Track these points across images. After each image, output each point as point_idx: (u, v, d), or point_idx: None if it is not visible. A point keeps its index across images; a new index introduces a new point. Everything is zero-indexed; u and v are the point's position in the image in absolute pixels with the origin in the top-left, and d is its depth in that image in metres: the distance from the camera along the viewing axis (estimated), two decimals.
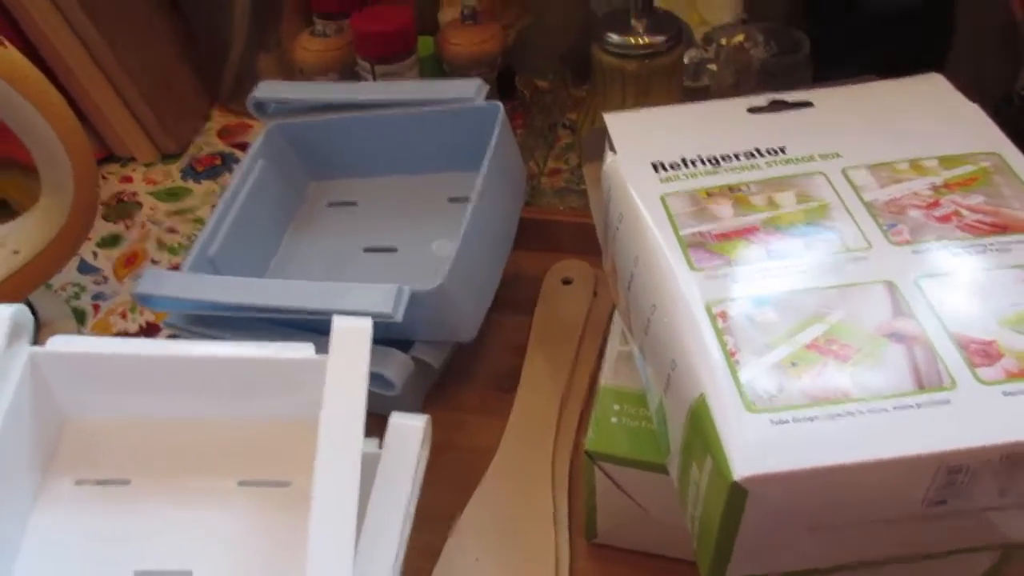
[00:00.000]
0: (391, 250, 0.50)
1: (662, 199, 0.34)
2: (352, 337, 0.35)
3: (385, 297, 0.38)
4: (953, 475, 0.26)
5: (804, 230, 0.32)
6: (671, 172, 0.35)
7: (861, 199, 0.33)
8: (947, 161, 0.34)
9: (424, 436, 0.37)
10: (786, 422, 0.26)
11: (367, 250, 0.51)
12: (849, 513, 0.27)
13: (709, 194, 0.34)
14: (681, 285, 0.31)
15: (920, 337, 0.28)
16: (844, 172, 0.34)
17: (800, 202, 0.33)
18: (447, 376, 0.49)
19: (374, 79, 0.58)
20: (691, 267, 0.31)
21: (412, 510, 0.35)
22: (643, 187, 0.35)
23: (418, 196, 0.52)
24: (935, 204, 0.33)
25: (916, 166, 0.34)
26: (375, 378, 0.41)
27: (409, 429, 0.37)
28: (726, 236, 0.32)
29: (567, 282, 0.52)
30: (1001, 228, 0.31)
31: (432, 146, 0.51)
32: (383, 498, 0.35)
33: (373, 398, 0.42)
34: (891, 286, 0.30)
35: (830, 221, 0.32)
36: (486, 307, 0.44)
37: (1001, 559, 0.34)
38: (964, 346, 0.28)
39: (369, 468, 0.35)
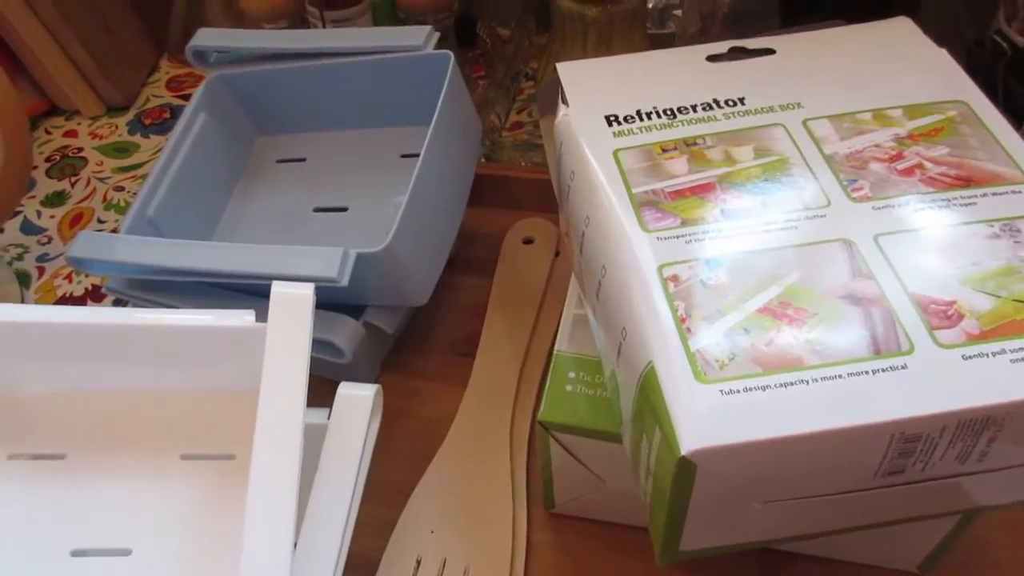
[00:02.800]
0: (342, 209, 0.48)
1: (615, 154, 0.32)
2: (292, 304, 0.33)
3: (329, 261, 0.36)
4: (910, 443, 0.25)
5: (761, 186, 0.31)
6: (625, 125, 0.34)
7: (821, 152, 0.32)
8: (912, 111, 0.33)
9: (374, 406, 0.35)
10: (736, 392, 0.25)
11: (317, 210, 0.48)
12: (803, 485, 0.26)
13: (664, 149, 0.32)
14: (632, 246, 0.29)
15: (878, 299, 0.27)
16: (805, 123, 0.33)
17: (758, 156, 0.32)
18: (404, 341, 0.47)
19: (324, 27, 0.55)
20: (643, 227, 0.30)
21: (361, 483, 0.34)
22: (595, 141, 0.33)
23: (369, 152, 0.49)
24: (898, 156, 0.31)
25: (880, 116, 0.33)
26: (324, 345, 0.40)
27: (358, 399, 0.35)
28: (680, 194, 0.31)
29: (528, 241, 0.51)
30: (965, 181, 0.30)
31: (383, 99, 0.49)
32: (329, 471, 0.33)
33: (325, 365, 0.41)
34: (849, 245, 0.28)
35: (789, 176, 0.31)
36: (439, 269, 0.43)
37: (962, 522, 0.33)
38: (924, 307, 0.26)
39: (316, 440, 0.34)
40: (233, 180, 0.51)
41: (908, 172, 0.31)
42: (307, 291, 0.33)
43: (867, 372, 0.25)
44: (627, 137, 0.33)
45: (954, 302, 0.26)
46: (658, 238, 0.29)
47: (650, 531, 0.29)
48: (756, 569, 0.37)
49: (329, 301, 0.40)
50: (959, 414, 0.24)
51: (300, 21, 0.59)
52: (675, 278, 0.28)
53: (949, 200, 0.29)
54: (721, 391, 0.25)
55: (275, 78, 0.49)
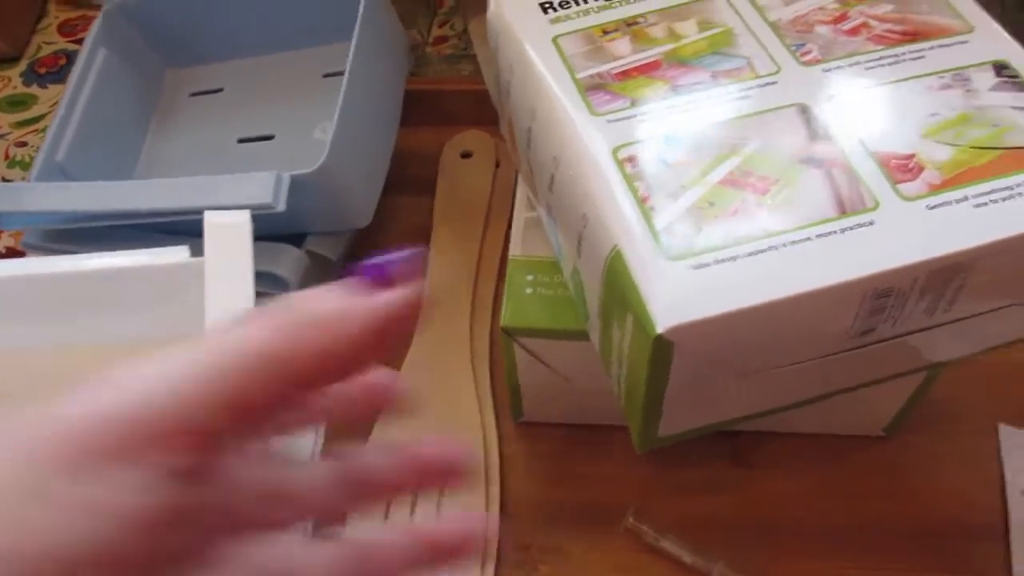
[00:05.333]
0: (268, 138, 0.45)
1: (554, 41, 0.31)
2: (229, 233, 0.31)
3: (263, 186, 0.34)
4: (881, 299, 0.25)
5: (709, 59, 0.29)
6: (561, 11, 0.32)
7: (765, 19, 0.30)
8: None
9: None
10: (707, 265, 0.24)
11: (241, 141, 0.46)
12: (779, 353, 0.26)
13: (605, 31, 0.31)
14: (582, 133, 0.28)
15: (838, 160, 0.26)
16: None
17: (702, 30, 0.30)
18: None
19: None
20: (591, 112, 0.28)
21: None
22: (532, 30, 0.31)
23: (289, 75, 0.47)
24: (842, 17, 0.30)
25: None
26: (267, 277, 0.38)
27: None
28: (627, 74, 0.29)
29: (466, 155, 0.49)
30: (912, 36, 0.29)
31: (297, 17, 0.46)
32: None
33: (267, 300, 0.39)
34: (804, 109, 0.28)
35: (735, 47, 0.30)
36: (379, 188, 0.41)
37: (925, 382, 0.33)
38: (884, 163, 0.26)
39: None
40: (145, 118, 0.47)
41: (854, 32, 0.30)
42: (242, 217, 0.31)
43: (835, 232, 0.24)
44: (565, 23, 0.31)
45: (914, 155, 0.26)
46: (608, 121, 0.28)
47: (628, 421, 0.29)
48: (728, 453, 0.37)
49: (267, 232, 0.38)
50: (929, 264, 0.24)
51: None
52: (631, 159, 0.27)
53: (898, 56, 0.29)
54: (691, 266, 0.24)
55: (179, 4, 0.46)
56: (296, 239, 0.40)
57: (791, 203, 0.25)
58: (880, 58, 0.29)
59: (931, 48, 0.29)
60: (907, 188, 0.25)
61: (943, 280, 0.25)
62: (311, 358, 0.16)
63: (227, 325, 0.16)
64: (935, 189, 0.25)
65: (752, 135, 0.27)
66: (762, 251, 0.24)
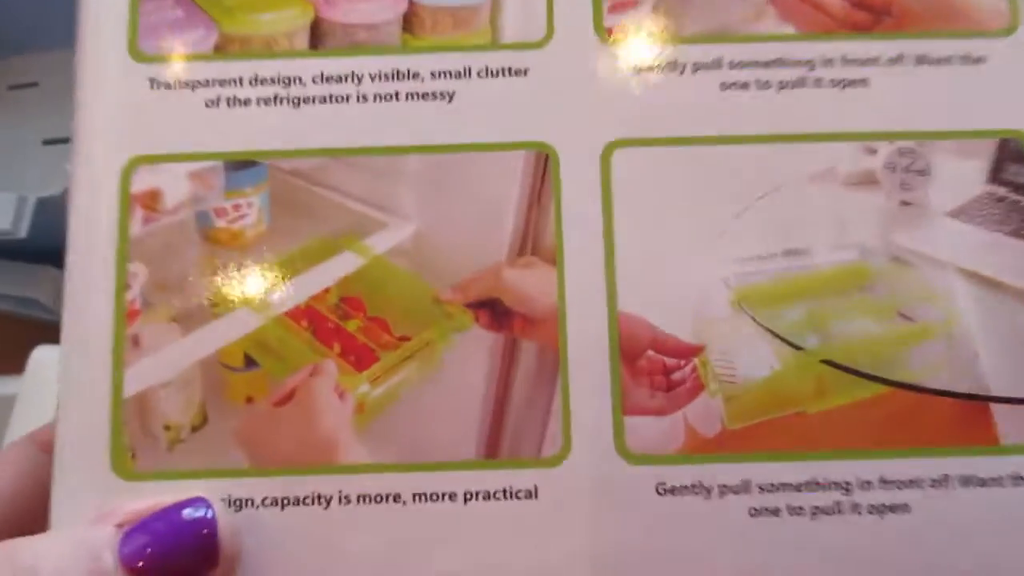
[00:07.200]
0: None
1: None
2: None
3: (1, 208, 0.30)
4: None
5: None
6: None
7: None
8: None
9: None
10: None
11: (47, 142, 0.41)
12: None
13: None
14: (91, 96, 0.14)
15: (543, 319, 0.13)
16: None
17: None
18: None
19: None
20: (131, 51, 0.14)
21: None
22: None
23: None
24: None
25: None
26: (28, 302, 0.34)
27: (54, 362, 0.26)
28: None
29: None
30: (879, 9, 0.13)
31: None
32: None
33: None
34: (547, 161, 0.13)
35: None
36: None
37: None
38: (628, 353, 0.13)
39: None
40: None
41: None
42: None
43: (461, 498, 0.12)
44: None
45: (699, 350, 0.13)
46: (154, 83, 0.13)
47: None
48: None
49: (35, 250, 0.33)
50: None
51: None
52: (155, 197, 0.13)
53: (811, 64, 0.13)
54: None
55: None
56: None
57: (414, 401, 0.13)
58: (772, 61, 0.13)
59: (896, 57, 0.13)
60: (636, 438, 0.12)
61: None
62: None
63: None
64: (681, 454, 0.12)
65: (416, 207, 0.13)
66: (299, 503, 0.12)
